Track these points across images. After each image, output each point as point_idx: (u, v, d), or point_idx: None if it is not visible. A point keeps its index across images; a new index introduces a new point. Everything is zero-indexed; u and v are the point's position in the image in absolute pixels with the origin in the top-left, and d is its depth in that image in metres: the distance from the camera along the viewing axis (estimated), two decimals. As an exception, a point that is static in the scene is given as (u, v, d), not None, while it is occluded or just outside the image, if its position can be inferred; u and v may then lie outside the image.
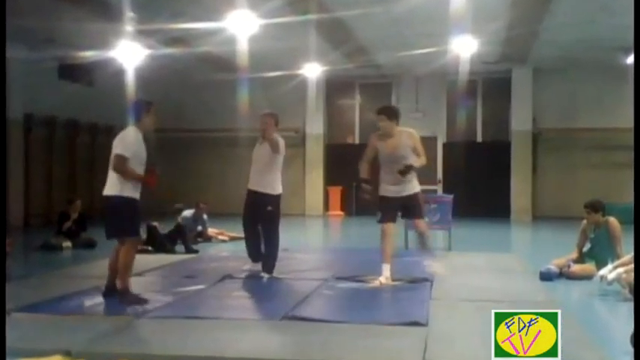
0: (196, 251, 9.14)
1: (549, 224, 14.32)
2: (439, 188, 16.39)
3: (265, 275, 6.71)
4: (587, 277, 6.75)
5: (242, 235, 10.52)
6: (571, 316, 5.11)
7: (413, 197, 6.51)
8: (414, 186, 6.56)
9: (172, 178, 16.63)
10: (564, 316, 5.05)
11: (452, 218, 9.59)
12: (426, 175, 16.65)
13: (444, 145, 16.78)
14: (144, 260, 8.15)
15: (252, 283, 6.55)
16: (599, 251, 7.00)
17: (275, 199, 6.65)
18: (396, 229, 6.62)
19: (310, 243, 11.63)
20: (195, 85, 16.73)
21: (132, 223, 5.49)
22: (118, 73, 12.65)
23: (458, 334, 4.46)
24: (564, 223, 12.78)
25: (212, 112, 16.95)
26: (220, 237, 10.70)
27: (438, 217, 9.51)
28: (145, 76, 13.46)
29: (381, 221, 6.42)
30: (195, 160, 17.32)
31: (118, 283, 5.50)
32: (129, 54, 11.52)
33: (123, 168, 5.45)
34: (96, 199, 14.64)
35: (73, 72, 14.40)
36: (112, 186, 5.51)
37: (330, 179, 17.09)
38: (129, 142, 5.54)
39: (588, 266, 6.94)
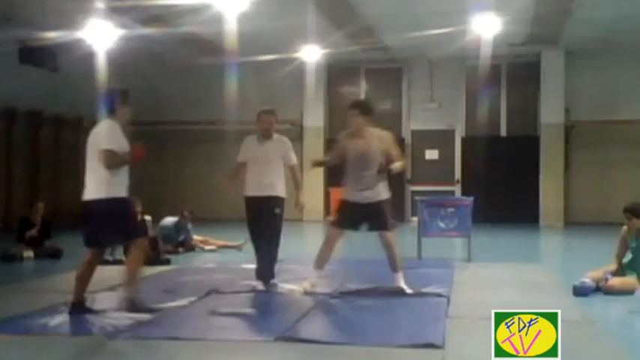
0: (167, 261, 9.13)
1: (584, 231, 14.32)
2: (457, 189, 16.40)
3: (260, 286, 6.86)
4: (628, 291, 6.74)
5: (231, 243, 10.61)
6: (610, 336, 5.11)
7: (376, 205, 6.61)
8: (379, 193, 6.64)
9: (150, 179, 16.64)
10: (601, 336, 5.07)
11: (472, 224, 9.58)
12: (442, 174, 16.93)
13: (463, 140, 16.78)
14: (118, 272, 8.15)
15: (241, 298, 6.54)
16: (641, 262, 7.00)
17: (282, 203, 6.92)
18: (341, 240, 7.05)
19: (309, 253, 11.60)
20: (177, 71, 16.73)
21: (135, 222, 5.53)
22: (87, 57, 12.63)
23: (478, 357, 4.44)
24: (601, 229, 12.77)
25: (196, 103, 16.95)
26: (207, 246, 10.69)
27: (456, 223, 9.52)
28: (118, 61, 13.45)
29: (332, 223, 6.81)
30: (176, 157, 17.31)
31: (128, 291, 5.56)
32: (99, 35, 11.52)
33: (117, 162, 5.51)
34: (62, 202, 14.82)
35: (35, 55, 14.36)
36: (100, 188, 5.52)
37: (332, 179, 17.03)
38: (111, 136, 5.56)
39: (629, 279, 6.93)
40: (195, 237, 10.81)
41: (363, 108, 6.69)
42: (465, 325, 5.38)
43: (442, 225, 9.56)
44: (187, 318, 5.69)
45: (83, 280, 5.67)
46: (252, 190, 6.88)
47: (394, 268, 6.62)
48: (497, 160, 16.26)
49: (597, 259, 7.71)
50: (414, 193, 15.83)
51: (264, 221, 6.78)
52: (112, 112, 5.77)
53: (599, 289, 6.84)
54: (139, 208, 9.41)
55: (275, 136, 7.03)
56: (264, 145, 6.92)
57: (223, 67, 14.11)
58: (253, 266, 7.16)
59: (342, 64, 16.74)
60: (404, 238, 10.32)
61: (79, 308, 5.60)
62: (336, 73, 17.13)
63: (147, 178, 16.44)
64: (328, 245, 6.69)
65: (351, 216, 6.59)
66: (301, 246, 12.78)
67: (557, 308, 5.98)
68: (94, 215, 5.58)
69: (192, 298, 6.40)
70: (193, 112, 17.00)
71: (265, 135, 6.94)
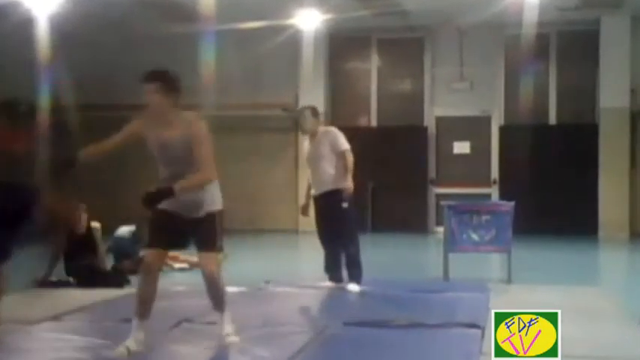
0: (125, 281, 9.22)
1: (655, 244, 14.34)
2: (494, 192, 16.42)
3: (355, 288, 8.34)
4: None
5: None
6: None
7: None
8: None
9: (104, 178, 16.65)
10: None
11: (512, 236, 9.58)
12: (475, 173, 16.92)
13: (501, 130, 16.81)
14: (63, 297, 8.14)
15: (220, 330, 6.52)
16: None
17: (345, 195, 8.36)
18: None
19: (305, 272, 11.61)
20: (138, 43, 16.71)
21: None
22: (25, 24, 12.64)
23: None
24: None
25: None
26: (177, 264, 10.68)
27: (493, 235, 9.51)
28: (64, 29, 13.44)
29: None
30: (136, 151, 17.28)
31: None
32: (41, -4, 11.53)
33: None
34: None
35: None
36: None
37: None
38: None
39: None
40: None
41: (166, 82, 6.01)
42: (504, 365, 5.37)
43: (475, 237, 9.55)
44: (152, 355, 5.68)
45: None
46: (315, 189, 8.54)
47: (216, 305, 6.06)
48: (545, 155, 16.28)
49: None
50: (439, 196, 15.85)
51: (332, 219, 8.39)
52: None
53: (675, 318, 6.84)
54: (84, 215, 9.47)
55: (321, 129, 8.80)
56: (313, 143, 8.68)
57: (197, 38, 14.12)
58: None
59: (348, 34, 16.76)
60: (427, 254, 10.35)
61: None
62: (340, 44, 17.15)
63: (98, 178, 16.55)
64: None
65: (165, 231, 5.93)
66: (296, 265, 12.80)
67: (621, 342, 6.00)
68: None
69: (159, 330, 6.39)
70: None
71: (310, 134, 8.74)
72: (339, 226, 8.40)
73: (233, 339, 5.85)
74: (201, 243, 5.90)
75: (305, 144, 8.97)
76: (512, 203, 9.81)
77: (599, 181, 16.07)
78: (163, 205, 5.72)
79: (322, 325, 6.66)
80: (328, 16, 14.69)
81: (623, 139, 16.01)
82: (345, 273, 8.60)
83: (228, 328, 5.91)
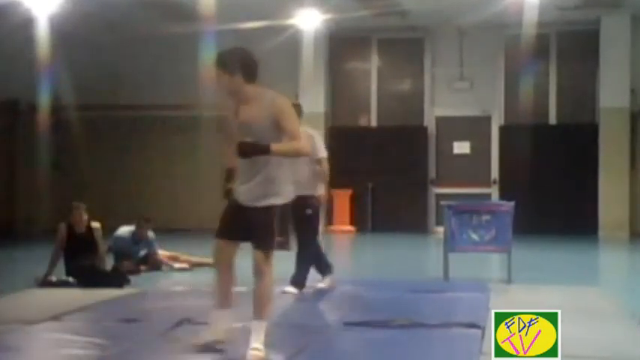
0: (125, 281, 9.21)
1: (655, 244, 14.34)
2: (494, 192, 16.42)
3: (293, 291, 8.18)
4: None
5: (207, 260, 10.59)
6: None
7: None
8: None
9: (105, 178, 16.67)
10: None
11: (512, 236, 9.58)
12: (475, 173, 16.92)
13: (501, 129, 16.82)
14: (63, 297, 8.14)
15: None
16: None
17: (314, 201, 8.19)
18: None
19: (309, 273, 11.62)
20: (139, 43, 16.73)
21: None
22: (25, 25, 12.64)
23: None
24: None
25: (162, 82, 16.97)
26: (177, 264, 10.69)
27: (493, 235, 9.52)
28: (65, 30, 13.45)
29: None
30: (138, 150, 17.32)
31: None
32: (41, -4, 11.53)
33: None
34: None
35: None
36: None
37: (334, 179, 17.05)
38: None
39: None
40: (162, 252, 10.82)
41: (226, 62, 5.79)
42: (504, 365, 5.37)
43: (475, 237, 9.55)
44: (153, 355, 5.69)
45: None
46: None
47: (256, 313, 5.53)
48: (545, 155, 16.29)
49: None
50: (439, 196, 15.85)
51: (296, 225, 8.29)
52: None
53: (675, 318, 6.85)
54: (85, 216, 9.47)
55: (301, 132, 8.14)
56: None
57: (197, 38, 14.12)
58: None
59: (348, 34, 16.77)
60: (427, 254, 10.34)
61: None
62: (340, 44, 17.15)
63: (100, 177, 16.57)
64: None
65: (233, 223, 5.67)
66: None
67: (621, 341, 6.00)
68: None
69: (159, 330, 6.40)
70: (159, 94, 17.02)
71: None
72: (301, 230, 8.40)
73: (257, 354, 5.29)
74: (255, 238, 5.50)
75: None
76: (512, 203, 9.82)
77: (599, 181, 16.07)
78: (236, 197, 5.52)
79: (323, 324, 6.66)
80: (328, 16, 14.70)
81: (623, 139, 16.02)
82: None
83: (256, 341, 5.35)
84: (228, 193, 5.59)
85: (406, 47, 17.32)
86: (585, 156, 16.14)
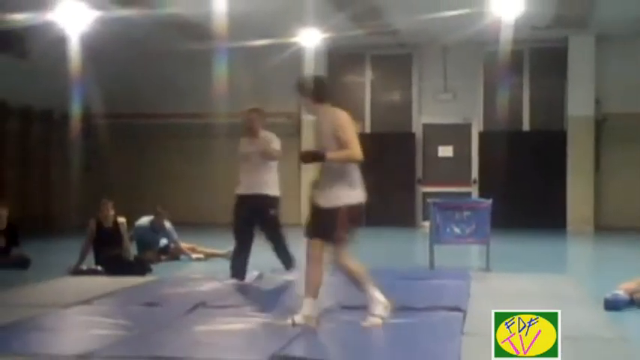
0: (147, 269, 9.21)
1: (617, 237, 14.32)
2: (474, 191, 16.42)
3: (290, 276, 7.80)
4: (666, 305, 6.75)
5: (219, 251, 10.62)
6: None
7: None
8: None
9: (128, 177, 16.68)
10: (636, 357, 5.06)
11: (490, 229, 9.59)
12: (457, 173, 16.92)
13: (481, 135, 16.81)
14: (93, 283, 8.16)
15: (232, 313, 6.55)
16: (681, 272, 7.00)
17: (277, 202, 7.54)
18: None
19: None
20: (158, 58, 16.74)
21: None
22: (58, 42, 12.65)
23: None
24: (636, 235, 12.78)
25: (180, 93, 16.98)
26: (194, 255, 10.71)
27: (473, 228, 9.53)
28: (93, 47, 13.46)
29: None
30: (157, 155, 17.33)
31: None
32: (72, 17, 11.53)
33: None
34: (29, 204, 14.82)
35: (1, 40, 14.40)
36: None
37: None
38: None
39: (667, 291, 6.93)
40: (184, 244, 10.83)
41: (301, 89, 6.26)
42: (483, 343, 5.37)
43: (457, 231, 9.56)
44: (172, 335, 5.70)
45: None
46: (243, 189, 7.52)
47: (305, 289, 5.94)
48: (519, 158, 16.27)
49: (632, 269, 7.72)
50: (425, 195, 15.85)
51: (263, 225, 7.59)
52: None
53: (634, 302, 6.85)
54: (111, 212, 9.49)
55: (261, 133, 7.68)
56: (253, 144, 7.62)
57: (211, 54, 14.14)
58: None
59: (345, 51, 16.75)
60: (415, 245, 10.35)
61: None
62: (337, 60, 17.13)
63: (125, 178, 16.58)
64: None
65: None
66: (300, 255, 12.78)
67: (586, 324, 6.02)
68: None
69: (178, 313, 6.41)
70: (177, 104, 17.03)
71: (249, 133, 7.74)
72: (269, 230, 7.96)
73: (299, 320, 5.73)
74: (317, 230, 5.85)
75: (242, 141, 8.01)
76: (490, 201, 9.82)
77: (567, 181, 16.08)
78: (315, 200, 5.90)
79: (324, 307, 6.67)
80: (327, 34, 14.70)
81: (589, 145, 16.01)
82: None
83: (305, 310, 5.81)
84: (311, 198, 5.97)
85: (396, 62, 17.31)
86: (555, 159, 16.14)
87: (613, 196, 16.04)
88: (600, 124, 16.04)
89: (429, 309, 6.50)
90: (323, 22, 13.87)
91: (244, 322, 6.25)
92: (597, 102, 15.99)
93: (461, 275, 8.64)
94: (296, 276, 7.94)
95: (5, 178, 14.70)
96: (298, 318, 5.77)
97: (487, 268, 9.35)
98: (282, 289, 7.72)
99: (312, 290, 5.86)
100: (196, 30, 14.04)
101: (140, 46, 16.04)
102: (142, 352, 5.07)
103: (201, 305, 6.74)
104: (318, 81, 6.34)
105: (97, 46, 13.67)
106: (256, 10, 12.26)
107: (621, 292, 6.88)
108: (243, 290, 7.57)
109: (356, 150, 5.76)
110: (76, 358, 4.94)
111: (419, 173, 16.89)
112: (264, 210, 7.57)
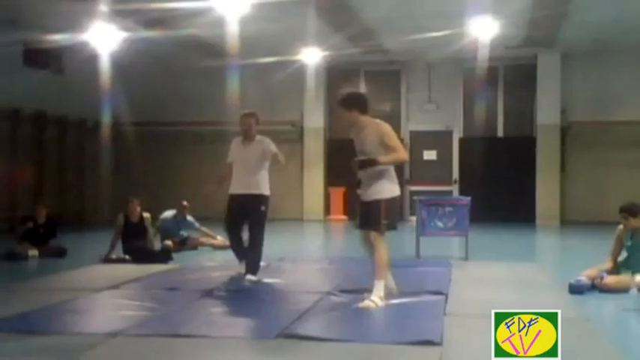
0: (169, 257, 9.21)
1: (580, 230, 14.32)
2: (455, 189, 16.41)
3: (251, 278, 7.00)
4: (623, 289, 6.74)
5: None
6: (604, 333, 5.10)
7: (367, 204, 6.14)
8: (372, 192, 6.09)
9: (152, 177, 16.67)
10: (596, 333, 5.07)
11: (469, 223, 9.58)
12: (440, 174, 16.91)
13: (461, 141, 16.80)
14: (121, 270, 8.15)
15: (243, 296, 6.55)
16: (636, 260, 7.00)
17: (267, 200, 7.15)
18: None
19: (309, 251, 11.63)
20: (179, 73, 16.74)
21: None
22: (91, 60, 12.65)
23: (476, 354, 4.44)
24: (597, 229, 12.78)
25: (198, 104, 16.96)
26: (215, 242, 10.62)
27: (454, 222, 9.52)
28: (122, 63, 13.47)
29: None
30: (179, 157, 17.31)
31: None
32: (103, 37, 11.53)
33: None
34: (66, 202, 14.83)
35: (39, 58, 14.38)
36: None
37: (331, 179, 17.08)
38: None
39: (624, 277, 6.94)
40: (204, 229, 10.78)
41: (344, 104, 6.34)
42: (462, 323, 5.38)
43: (440, 224, 9.55)
44: (190, 315, 5.69)
45: None
46: (237, 189, 7.19)
47: (375, 274, 6.06)
48: (495, 161, 16.27)
49: (593, 258, 7.71)
50: (412, 192, 15.84)
51: (251, 218, 7.09)
52: None
53: (595, 287, 6.84)
54: (138, 208, 9.48)
55: (257, 137, 7.28)
56: (247, 147, 7.22)
57: (225, 70, 14.14)
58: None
59: (342, 67, 16.74)
60: (403, 238, 10.34)
61: None
62: (335, 75, 17.12)
63: (149, 178, 16.57)
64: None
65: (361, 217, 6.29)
66: (302, 245, 12.79)
67: (553, 306, 6.00)
68: None
69: (195, 296, 6.41)
70: (195, 114, 17.01)
71: (246, 137, 7.24)
72: (255, 224, 7.19)
73: (369, 304, 5.79)
74: (366, 222, 6.12)
75: (235, 144, 7.44)
76: (469, 198, 9.82)
77: (536, 181, 16.07)
78: (361, 195, 6.13)
79: (324, 290, 6.68)
80: (326, 53, 14.70)
81: (555, 149, 16.01)
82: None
83: (375, 295, 5.88)
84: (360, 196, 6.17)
85: (387, 77, 17.29)
86: (525, 162, 16.12)
87: (577, 194, 16.03)
88: (565, 131, 16.03)
89: (416, 293, 6.50)
90: (323, 42, 13.87)
91: (254, 304, 6.25)
92: (563, 112, 15.98)
93: (443, 263, 8.64)
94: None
95: (45, 179, 14.70)
96: (375, 299, 5.86)
97: (466, 257, 9.35)
98: (288, 275, 7.70)
99: (382, 273, 6.04)
100: (212, 49, 14.05)
101: (163, 63, 16.06)
102: (164, 330, 5.07)
103: (215, 289, 6.74)
104: (361, 96, 6.49)
105: (125, 63, 13.68)
106: (264, 31, 12.26)
107: (583, 278, 6.88)
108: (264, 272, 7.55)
109: (403, 153, 6.12)
110: (106, 335, 4.94)
111: (407, 174, 16.87)
112: (256, 207, 7.08)
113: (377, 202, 6.01)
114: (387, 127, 6.12)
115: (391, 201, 6.09)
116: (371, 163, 5.93)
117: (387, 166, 6.05)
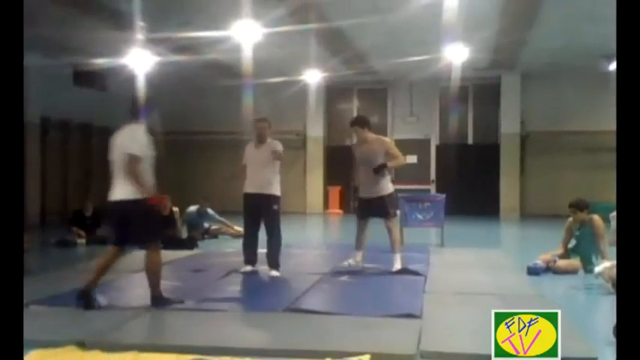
0: (194, 244, 9.17)
1: (536, 222, 14.31)
2: (432, 188, 16.40)
3: (274, 273, 6.53)
4: (572, 271, 6.78)
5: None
6: (556, 307, 5.12)
7: (379, 199, 6.90)
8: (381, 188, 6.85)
9: (180, 178, 16.66)
10: (550, 307, 5.08)
11: (444, 216, 9.59)
12: (420, 175, 16.90)
13: (437, 147, 16.79)
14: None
15: (256, 277, 6.57)
16: (583, 247, 7.02)
17: (278, 200, 6.73)
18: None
19: (311, 239, 11.63)
20: (202, 91, 16.74)
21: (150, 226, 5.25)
22: (129, 79, 12.64)
23: (451, 325, 4.47)
24: (550, 220, 12.79)
25: (217, 116, 16.96)
26: (233, 231, 10.50)
27: (432, 215, 9.53)
28: (155, 82, 13.41)
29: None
30: (201, 160, 17.31)
31: (154, 291, 5.10)
32: (139, 61, 11.54)
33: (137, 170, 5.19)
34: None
35: (87, 78, 14.42)
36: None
37: (329, 179, 17.11)
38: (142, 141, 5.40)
39: (573, 261, 6.96)
40: (224, 220, 10.73)
41: (358, 123, 7.08)
42: (438, 299, 5.39)
43: (420, 217, 9.57)
44: (212, 292, 5.71)
45: (99, 271, 5.20)
46: (250, 188, 6.77)
47: (393, 249, 6.76)
48: (465, 164, 16.26)
49: (547, 245, 7.73)
50: (397, 190, 15.76)
51: (266, 218, 6.65)
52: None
53: (549, 269, 6.87)
54: (169, 203, 9.44)
55: (268, 140, 6.82)
56: (260, 149, 6.78)
57: (240, 88, 14.12)
58: (263, 250, 7.05)
59: (338, 85, 16.74)
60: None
61: (85, 296, 4.99)
62: (333, 92, 17.14)
63: (178, 178, 16.58)
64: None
65: (366, 209, 6.98)
66: (304, 235, 12.80)
67: (514, 285, 6.03)
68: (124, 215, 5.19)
69: (216, 277, 6.42)
70: (215, 124, 17.01)
71: (259, 140, 6.80)
72: (271, 222, 6.70)
73: (397, 267, 6.61)
74: (382, 213, 6.82)
75: (249, 148, 6.98)
76: (444, 195, 9.84)
77: (500, 181, 16.07)
78: (363, 194, 6.93)
79: (323, 272, 6.69)
80: (326, 74, 14.70)
81: (516, 154, 15.99)
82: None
83: (397, 264, 6.65)
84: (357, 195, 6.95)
85: (375, 94, 17.28)
86: (491, 165, 16.10)
87: (534, 192, 16.02)
88: (524, 139, 16.03)
89: (400, 273, 6.52)
90: (322, 65, 13.87)
91: (265, 284, 6.27)
92: (522, 123, 15.98)
93: (422, 249, 8.65)
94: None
95: (91, 180, 14.70)
96: (397, 266, 6.63)
97: (442, 245, 9.36)
98: (294, 259, 7.71)
99: (398, 247, 6.84)
100: (230, 70, 14.04)
101: (189, 82, 16.05)
102: (189, 305, 5.09)
103: (233, 272, 6.75)
104: (368, 118, 7.36)
105: (157, 82, 13.65)
106: (274, 55, 12.27)
107: (539, 262, 6.90)
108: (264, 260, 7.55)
109: (403, 158, 7.08)
110: (141, 309, 4.96)
111: (392, 175, 16.87)
112: (269, 206, 6.61)
113: (388, 196, 6.84)
114: (388, 141, 7.14)
115: (392, 194, 6.97)
116: (384, 167, 6.71)
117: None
